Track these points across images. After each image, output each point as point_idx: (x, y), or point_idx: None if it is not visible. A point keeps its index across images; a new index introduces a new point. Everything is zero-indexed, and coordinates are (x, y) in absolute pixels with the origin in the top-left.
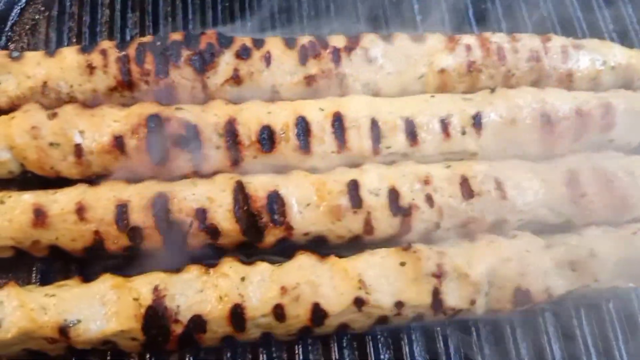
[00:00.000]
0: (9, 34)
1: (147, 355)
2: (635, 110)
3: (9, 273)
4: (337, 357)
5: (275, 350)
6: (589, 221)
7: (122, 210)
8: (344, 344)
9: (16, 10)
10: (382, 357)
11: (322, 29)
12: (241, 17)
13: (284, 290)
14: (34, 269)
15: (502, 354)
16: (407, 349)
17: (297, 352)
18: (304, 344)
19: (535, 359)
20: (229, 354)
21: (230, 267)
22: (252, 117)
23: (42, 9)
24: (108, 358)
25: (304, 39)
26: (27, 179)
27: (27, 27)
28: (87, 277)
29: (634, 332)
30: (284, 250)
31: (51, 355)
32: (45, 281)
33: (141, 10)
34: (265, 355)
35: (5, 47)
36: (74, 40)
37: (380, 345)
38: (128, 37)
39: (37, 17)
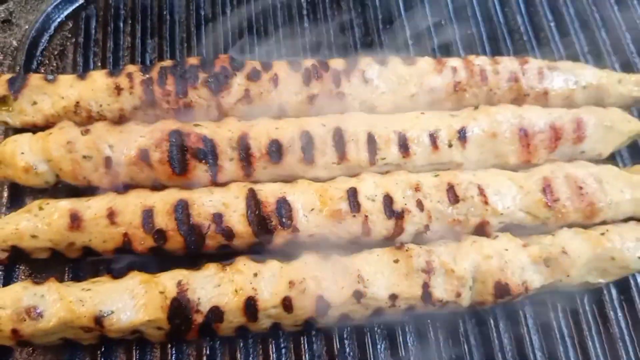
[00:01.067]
0: (40, 58)
1: (169, 346)
2: (605, 124)
3: (43, 273)
4: (338, 347)
5: (283, 341)
6: (562, 224)
7: (148, 214)
8: (345, 335)
9: (45, 37)
10: (378, 346)
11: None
12: (249, 42)
13: (291, 284)
14: (66, 268)
15: (486, 343)
16: (401, 339)
17: (302, 342)
18: (308, 335)
19: (515, 348)
20: (241, 344)
21: (244, 265)
22: (262, 132)
23: (69, 35)
24: (134, 347)
25: (307, 63)
26: (56, 190)
27: (56, 52)
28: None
29: (605, 324)
30: (290, 252)
31: (84, 344)
32: (76, 280)
33: (159, 36)
34: (273, 345)
35: (36, 71)
36: (99, 64)
37: (377, 336)
38: (148, 61)
39: (65, 43)
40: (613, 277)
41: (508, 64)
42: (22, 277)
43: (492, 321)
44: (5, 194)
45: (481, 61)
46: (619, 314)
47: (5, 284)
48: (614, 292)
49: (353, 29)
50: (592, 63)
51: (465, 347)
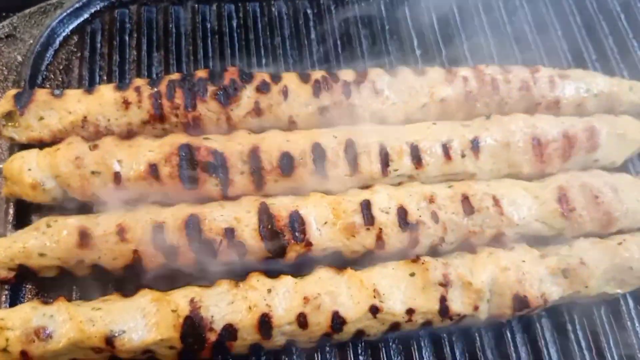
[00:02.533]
0: (45, 73)
1: None
2: (617, 132)
3: (50, 292)
4: None
5: (297, 358)
6: (578, 233)
7: (158, 230)
8: (359, 351)
9: (50, 51)
10: None
11: (331, 63)
12: (256, 54)
13: (306, 300)
14: (73, 287)
15: (503, 356)
16: (417, 355)
17: (316, 358)
18: (322, 352)
19: None
20: None
21: (257, 281)
22: (272, 145)
23: (75, 50)
24: None
25: (317, 74)
26: (64, 206)
27: (61, 67)
28: (124, 294)
29: (623, 335)
30: (303, 266)
31: None
32: (84, 299)
33: (165, 49)
34: None
35: (42, 86)
36: (105, 78)
37: (392, 351)
38: (154, 75)
39: (70, 57)
40: (630, 287)
41: (519, 72)
42: (29, 296)
43: (508, 334)
44: (12, 211)
45: (492, 70)
46: (637, 324)
47: (12, 304)
48: (630, 302)
49: (360, 39)
50: (600, 71)
51: None
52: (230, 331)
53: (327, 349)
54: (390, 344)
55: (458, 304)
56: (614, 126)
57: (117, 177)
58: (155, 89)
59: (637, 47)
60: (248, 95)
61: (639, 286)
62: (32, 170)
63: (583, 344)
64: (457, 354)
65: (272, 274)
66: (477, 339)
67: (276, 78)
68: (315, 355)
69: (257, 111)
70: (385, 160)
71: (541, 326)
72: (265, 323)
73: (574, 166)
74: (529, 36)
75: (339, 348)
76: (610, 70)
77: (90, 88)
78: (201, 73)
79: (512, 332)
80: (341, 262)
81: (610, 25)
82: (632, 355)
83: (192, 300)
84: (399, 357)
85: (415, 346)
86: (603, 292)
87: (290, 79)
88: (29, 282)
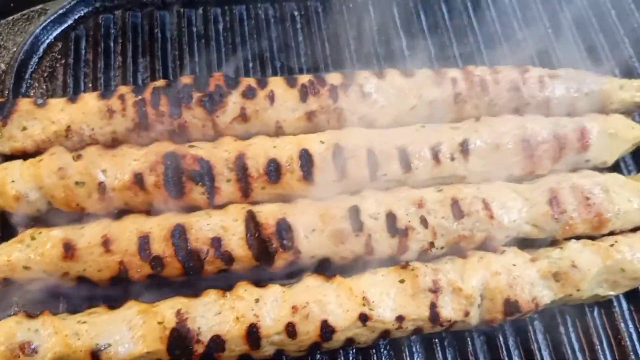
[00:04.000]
0: (29, 81)
1: None
2: (609, 132)
3: (37, 304)
4: None
5: None
6: (569, 235)
7: (144, 241)
8: (350, 358)
9: (34, 59)
10: None
11: (318, 66)
12: (243, 57)
13: (294, 309)
14: (60, 298)
15: None
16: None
17: None
18: (312, 359)
19: None
20: None
21: (245, 290)
22: (259, 151)
23: (59, 57)
24: None
25: (304, 78)
26: (48, 217)
27: (45, 74)
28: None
29: (616, 337)
30: (291, 274)
31: None
32: (71, 310)
33: (151, 55)
34: None
35: (25, 94)
36: (90, 85)
37: (383, 358)
38: (140, 81)
39: (54, 64)
40: (623, 288)
41: (508, 73)
42: (15, 309)
43: (501, 338)
44: None
45: (481, 71)
46: (630, 325)
47: None
48: (624, 303)
49: (348, 41)
50: (590, 69)
51: None
52: (217, 342)
53: (318, 356)
54: (382, 350)
55: (448, 310)
56: (605, 125)
57: (101, 187)
58: (140, 97)
59: (628, 44)
60: (234, 101)
61: (631, 288)
62: (15, 182)
63: (576, 346)
64: (449, 359)
65: (260, 283)
66: (469, 343)
67: (262, 83)
68: None
69: (244, 117)
70: (373, 165)
71: (534, 329)
72: (253, 333)
73: (565, 167)
74: (518, 34)
75: (330, 355)
76: (601, 68)
77: (73, 97)
78: (186, 79)
79: (505, 335)
80: (330, 269)
81: (601, 22)
82: (626, 357)
83: (178, 312)
84: None
85: (407, 352)
86: (595, 294)
87: (276, 83)
88: (14, 295)
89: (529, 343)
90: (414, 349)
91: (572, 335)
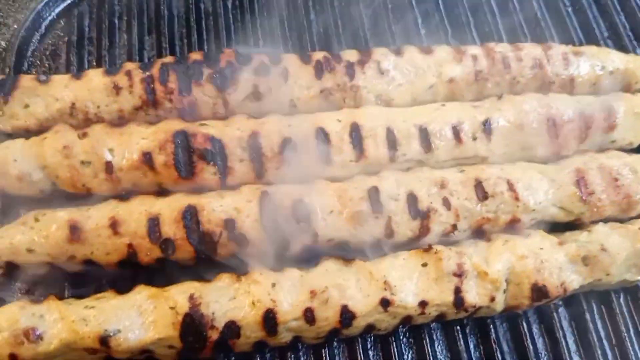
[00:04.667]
0: (31, 59)
1: None
2: (635, 111)
3: (42, 289)
4: (362, 358)
5: (303, 354)
6: (596, 218)
7: (153, 223)
8: (369, 346)
9: (36, 36)
10: (405, 356)
11: (331, 45)
12: (253, 36)
13: (313, 294)
14: (65, 284)
15: (519, 348)
16: (429, 348)
17: (324, 354)
18: (329, 347)
19: (551, 353)
20: (258, 359)
21: (260, 274)
22: (273, 130)
23: (62, 34)
24: None
25: (319, 55)
26: (51, 199)
27: (48, 52)
28: (119, 290)
29: None
30: (308, 259)
31: None
32: (77, 296)
33: (157, 32)
34: (293, 359)
35: (27, 72)
36: (94, 63)
37: (403, 345)
38: (146, 59)
39: (57, 42)
40: None
41: (531, 50)
42: (19, 294)
43: (524, 325)
44: None
45: (502, 48)
46: None
47: None
48: None
49: (362, 18)
50: (612, 48)
51: (499, 354)
52: (232, 328)
53: (335, 344)
54: (401, 337)
55: (473, 295)
56: (631, 105)
57: (108, 167)
58: (148, 73)
59: None
60: (246, 78)
61: None
62: (17, 161)
63: (602, 333)
64: (472, 346)
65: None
66: (492, 330)
67: (275, 59)
68: (323, 351)
69: (256, 95)
70: (392, 144)
71: (558, 316)
72: (270, 319)
73: (590, 147)
74: (537, 13)
75: (347, 343)
76: (623, 47)
77: (78, 73)
78: (196, 55)
79: (528, 322)
80: (348, 253)
81: (622, 1)
82: None
83: (191, 297)
84: (410, 352)
85: (427, 339)
86: (624, 279)
87: (290, 60)
88: (18, 280)
89: (554, 330)
90: (434, 337)
91: (599, 322)
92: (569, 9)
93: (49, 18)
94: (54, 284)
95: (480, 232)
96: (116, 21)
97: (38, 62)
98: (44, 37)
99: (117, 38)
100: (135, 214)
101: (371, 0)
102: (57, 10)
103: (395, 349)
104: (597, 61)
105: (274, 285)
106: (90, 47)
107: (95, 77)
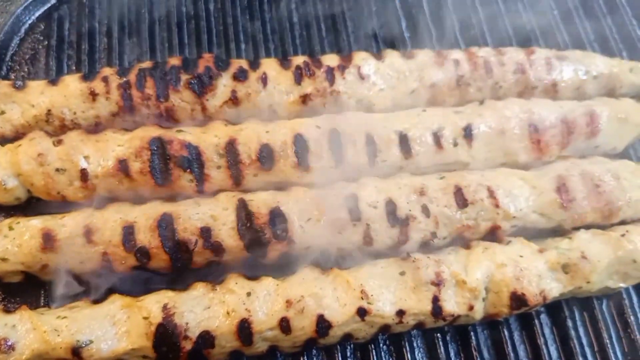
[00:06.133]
0: (10, 63)
1: None
2: (619, 117)
3: (17, 297)
4: None
5: None
6: (578, 225)
7: (128, 231)
8: (348, 354)
9: (15, 40)
10: None
11: (314, 48)
12: (235, 39)
13: (289, 303)
14: (41, 292)
15: (500, 356)
16: (409, 356)
17: None
18: (308, 355)
19: None
20: None
21: (236, 283)
22: (251, 136)
23: (41, 38)
24: None
25: (299, 60)
26: (29, 206)
27: (27, 56)
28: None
29: (626, 330)
30: (286, 266)
31: None
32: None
33: (138, 36)
34: None
35: (6, 77)
36: (74, 67)
37: (382, 353)
38: (126, 63)
39: (36, 46)
40: (634, 280)
41: (514, 54)
42: None
43: (506, 332)
44: None
45: (485, 52)
46: None
47: None
48: (634, 296)
49: (345, 22)
50: (598, 52)
51: None
52: (207, 338)
53: (314, 352)
54: (381, 345)
55: (452, 304)
56: (615, 110)
57: (83, 175)
58: (125, 79)
59: (636, 26)
60: (224, 84)
61: None
62: None
63: (584, 340)
64: (452, 354)
65: (252, 276)
66: (473, 337)
67: (254, 65)
68: (302, 359)
69: (235, 101)
70: (372, 150)
71: (540, 323)
72: (244, 329)
73: (573, 153)
74: (523, 16)
75: (327, 351)
76: (609, 51)
77: (54, 79)
78: (174, 60)
79: (510, 329)
80: (326, 261)
81: (609, 4)
82: (636, 352)
83: (165, 306)
84: (391, 359)
85: (408, 347)
86: (605, 286)
87: (269, 65)
88: None
89: (535, 337)
90: (414, 344)
91: (581, 329)
92: (555, 12)
93: (29, 22)
94: (29, 290)
95: (460, 240)
96: (96, 25)
97: (17, 67)
98: (23, 42)
99: (98, 42)
100: (110, 222)
101: (355, 3)
102: (37, 14)
103: (375, 357)
104: (580, 66)
105: (249, 294)
106: (69, 51)
107: (72, 83)
